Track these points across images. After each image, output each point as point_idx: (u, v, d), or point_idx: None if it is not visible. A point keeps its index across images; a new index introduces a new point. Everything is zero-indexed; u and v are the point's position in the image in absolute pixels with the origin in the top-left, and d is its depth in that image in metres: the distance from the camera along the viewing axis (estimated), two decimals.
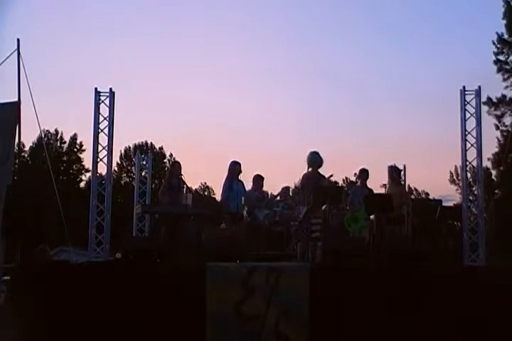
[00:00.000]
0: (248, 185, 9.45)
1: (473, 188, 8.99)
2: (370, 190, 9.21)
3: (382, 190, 9.35)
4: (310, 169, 8.63)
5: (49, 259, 7.26)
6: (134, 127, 42.75)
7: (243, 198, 9.12)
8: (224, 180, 9.14)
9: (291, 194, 10.54)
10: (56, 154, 36.59)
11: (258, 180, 9.50)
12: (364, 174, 9.36)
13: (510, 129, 24.41)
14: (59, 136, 38.33)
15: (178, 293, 6.25)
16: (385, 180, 9.44)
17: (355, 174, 9.55)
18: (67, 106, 43.32)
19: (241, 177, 9.27)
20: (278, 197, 9.94)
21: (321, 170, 8.79)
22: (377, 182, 9.54)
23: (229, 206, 8.93)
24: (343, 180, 34.95)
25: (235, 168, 9.11)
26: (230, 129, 52.35)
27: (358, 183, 9.46)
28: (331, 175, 8.90)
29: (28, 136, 32.60)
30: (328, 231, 8.17)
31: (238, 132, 50.28)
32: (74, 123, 42.92)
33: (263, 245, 8.54)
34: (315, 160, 8.55)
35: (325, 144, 46.53)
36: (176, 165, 9.42)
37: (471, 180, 9.33)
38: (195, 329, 6.16)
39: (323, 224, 8.14)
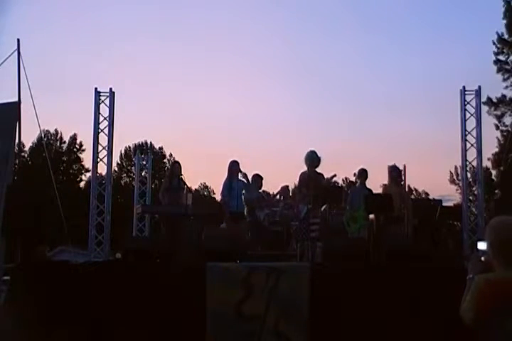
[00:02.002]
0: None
1: (473, 188, 9.00)
2: (370, 190, 9.22)
3: (383, 190, 9.36)
4: (307, 168, 8.63)
5: (47, 260, 7.23)
6: (134, 127, 42.77)
7: (243, 197, 9.13)
8: (224, 179, 9.16)
9: (290, 193, 10.55)
10: (56, 154, 36.58)
11: (257, 179, 9.50)
12: (363, 174, 9.37)
13: (510, 129, 24.43)
14: (59, 136, 38.35)
15: (178, 293, 6.24)
16: (385, 180, 9.44)
17: (354, 174, 9.54)
18: (67, 106, 43.33)
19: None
20: (278, 196, 9.95)
21: (318, 170, 8.79)
22: (377, 182, 9.55)
23: (229, 205, 8.94)
24: (343, 180, 34.96)
25: (233, 167, 9.11)
26: (229, 129, 52.40)
27: (358, 183, 9.47)
28: (334, 175, 8.90)
29: (28, 136, 32.63)
30: (328, 231, 8.17)
31: (238, 132, 50.38)
32: (74, 123, 42.94)
33: (264, 244, 8.53)
34: (312, 159, 8.55)
35: (325, 144, 46.57)
36: (176, 165, 9.41)
37: (471, 180, 9.33)
38: (195, 329, 6.16)
39: (322, 224, 8.14)
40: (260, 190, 9.73)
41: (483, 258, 2.95)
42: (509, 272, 2.71)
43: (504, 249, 2.74)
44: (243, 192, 9.16)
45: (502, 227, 2.78)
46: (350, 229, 8.81)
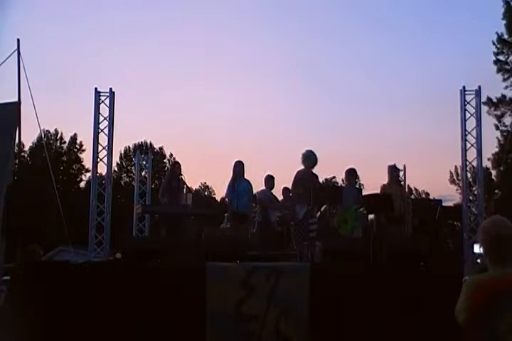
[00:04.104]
0: (256, 185, 9.53)
1: (473, 188, 9.00)
2: (359, 190, 9.19)
3: (381, 190, 9.35)
4: (304, 167, 8.60)
5: (39, 259, 7.17)
6: (134, 127, 42.79)
7: (257, 197, 9.21)
8: (229, 180, 9.21)
9: (290, 194, 10.55)
10: (56, 154, 36.56)
11: (269, 180, 9.57)
12: (352, 174, 9.32)
13: (510, 129, 24.44)
14: (59, 136, 38.36)
15: (178, 293, 6.24)
16: (385, 180, 9.44)
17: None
18: (67, 106, 43.34)
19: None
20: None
21: (315, 170, 8.77)
22: (377, 182, 9.54)
23: (232, 206, 8.97)
24: (343, 180, 34.94)
25: (237, 167, 9.14)
26: (229, 129, 52.41)
27: (346, 184, 9.47)
28: (334, 177, 8.95)
29: (28, 136, 32.67)
30: (327, 231, 8.16)
31: (238, 132, 50.39)
32: (74, 123, 42.99)
33: (269, 245, 8.52)
34: (309, 158, 8.53)
35: (325, 144, 46.55)
36: (176, 166, 9.42)
37: (471, 180, 9.34)
38: (195, 329, 6.16)
39: (321, 224, 8.13)
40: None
41: (479, 261, 2.99)
42: (499, 270, 2.73)
43: (493, 247, 2.76)
44: (255, 192, 9.23)
45: (491, 225, 2.82)
46: (342, 231, 8.71)
